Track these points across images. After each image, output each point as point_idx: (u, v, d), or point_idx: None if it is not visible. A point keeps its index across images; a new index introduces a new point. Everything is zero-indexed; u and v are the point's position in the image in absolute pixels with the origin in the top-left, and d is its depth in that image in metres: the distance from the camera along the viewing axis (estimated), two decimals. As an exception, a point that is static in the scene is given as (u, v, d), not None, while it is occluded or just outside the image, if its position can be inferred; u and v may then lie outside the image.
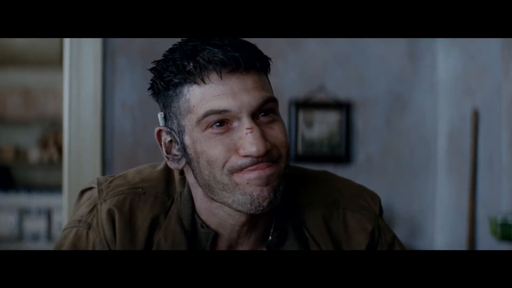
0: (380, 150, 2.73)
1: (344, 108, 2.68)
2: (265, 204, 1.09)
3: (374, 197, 1.27)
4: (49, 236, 5.61)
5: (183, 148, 1.12)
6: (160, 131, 1.15)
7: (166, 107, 1.13)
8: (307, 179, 1.26)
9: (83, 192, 1.25)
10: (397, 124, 2.74)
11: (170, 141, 1.15)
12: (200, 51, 1.08)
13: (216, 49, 1.07)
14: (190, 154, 1.11)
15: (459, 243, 2.56)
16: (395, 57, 2.73)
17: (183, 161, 1.14)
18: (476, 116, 2.47)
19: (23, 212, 5.68)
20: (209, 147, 1.08)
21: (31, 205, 5.68)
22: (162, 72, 1.11)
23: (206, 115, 1.07)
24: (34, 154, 6.08)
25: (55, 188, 5.38)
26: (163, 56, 1.13)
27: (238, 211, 1.11)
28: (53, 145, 6.03)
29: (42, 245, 5.50)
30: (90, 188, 1.23)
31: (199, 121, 1.08)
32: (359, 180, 1.34)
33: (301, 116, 2.67)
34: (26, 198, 5.73)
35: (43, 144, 6.09)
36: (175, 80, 1.10)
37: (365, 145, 2.72)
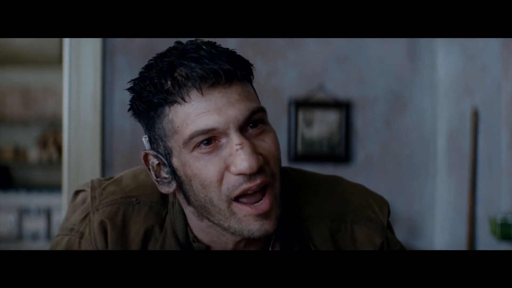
0: (379, 149, 2.73)
1: (344, 107, 2.69)
2: (264, 234, 1.05)
3: (383, 205, 1.22)
4: (48, 235, 5.60)
5: (172, 171, 1.06)
6: (146, 154, 1.10)
7: (149, 129, 1.08)
8: (314, 188, 1.20)
9: (77, 192, 1.20)
10: (397, 124, 2.74)
11: (158, 164, 1.09)
12: (177, 67, 1.02)
13: (193, 63, 1.01)
14: (180, 177, 1.05)
15: (459, 243, 2.56)
16: (395, 57, 2.73)
17: (174, 184, 1.08)
18: (475, 115, 2.47)
19: (22, 212, 5.68)
20: (200, 170, 1.02)
21: (30, 204, 5.69)
22: (140, 92, 1.05)
23: (192, 136, 1.01)
24: (33, 154, 6.08)
25: (55, 187, 5.39)
26: (139, 73, 1.07)
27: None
28: (52, 145, 6.03)
29: (42, 245, 5.49)
30: (85, 190, 1.19)
31: (186, 143, 1.02)
32: (358, 180, 1.33)
33: (300, 115, 2.67)
34: (26, 197, 5.73)
35: (43, 144, 6.09)
36: (155, 100, 1.03)
37: (364, 144, 2.72)
